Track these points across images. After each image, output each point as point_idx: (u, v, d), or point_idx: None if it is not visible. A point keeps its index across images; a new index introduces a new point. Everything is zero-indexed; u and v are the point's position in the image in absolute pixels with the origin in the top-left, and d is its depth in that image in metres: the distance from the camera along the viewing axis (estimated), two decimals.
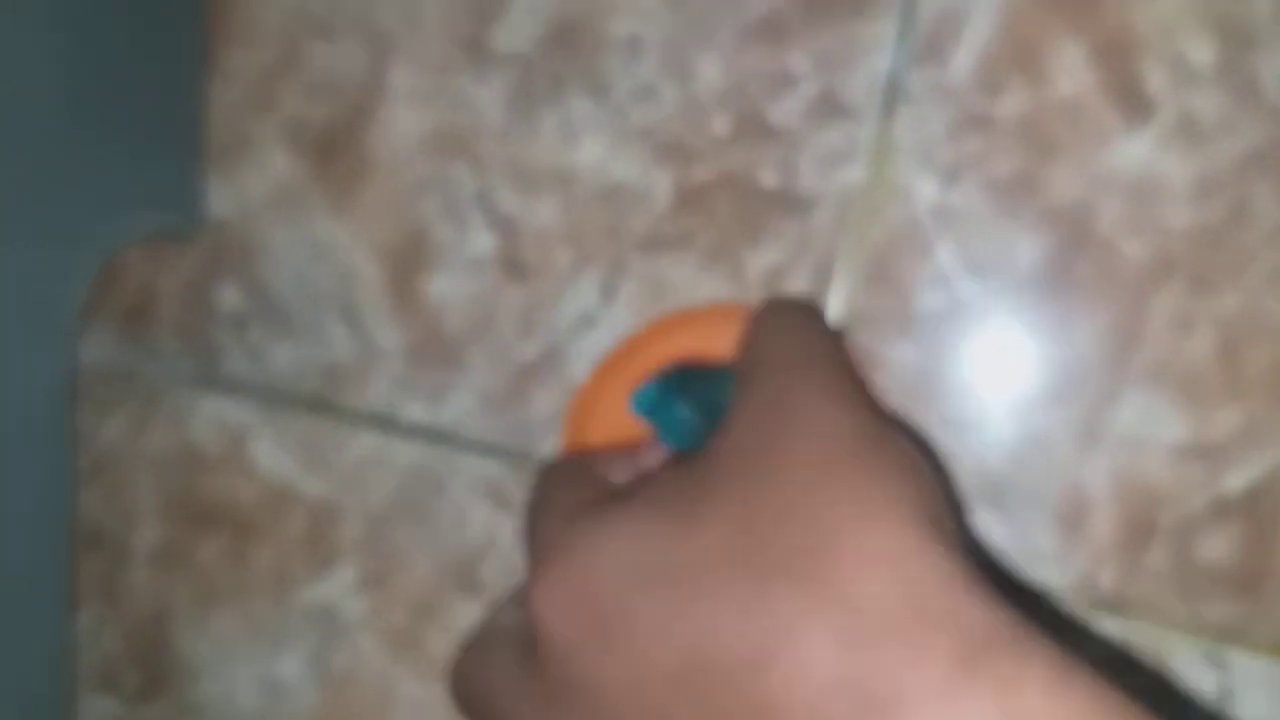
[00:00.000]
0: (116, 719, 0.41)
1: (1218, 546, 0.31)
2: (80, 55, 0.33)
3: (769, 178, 0.33)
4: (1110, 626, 0.32)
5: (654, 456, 0.28)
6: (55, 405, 0.36)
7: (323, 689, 0.38)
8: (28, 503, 0.36)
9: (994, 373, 0.33)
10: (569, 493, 0.25)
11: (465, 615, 0.37)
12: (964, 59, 0.32)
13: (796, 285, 0.34)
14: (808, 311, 0.27)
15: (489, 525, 0.36)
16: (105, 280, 0.39)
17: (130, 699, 0.40)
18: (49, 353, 0.36)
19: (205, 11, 0.37)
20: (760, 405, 0.23)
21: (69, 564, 0.39)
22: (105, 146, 0.35)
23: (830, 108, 0.33)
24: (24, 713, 0.37)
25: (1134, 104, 0.31)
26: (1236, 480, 0.31)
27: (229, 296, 0.38)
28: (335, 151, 0.37)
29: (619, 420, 0.30)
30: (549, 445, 0.36)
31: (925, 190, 0.33)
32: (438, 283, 0.36)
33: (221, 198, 0.38)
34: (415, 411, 0.37)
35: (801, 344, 0.25)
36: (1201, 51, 0.31)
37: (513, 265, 0.36)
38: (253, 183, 0.38)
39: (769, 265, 0.34)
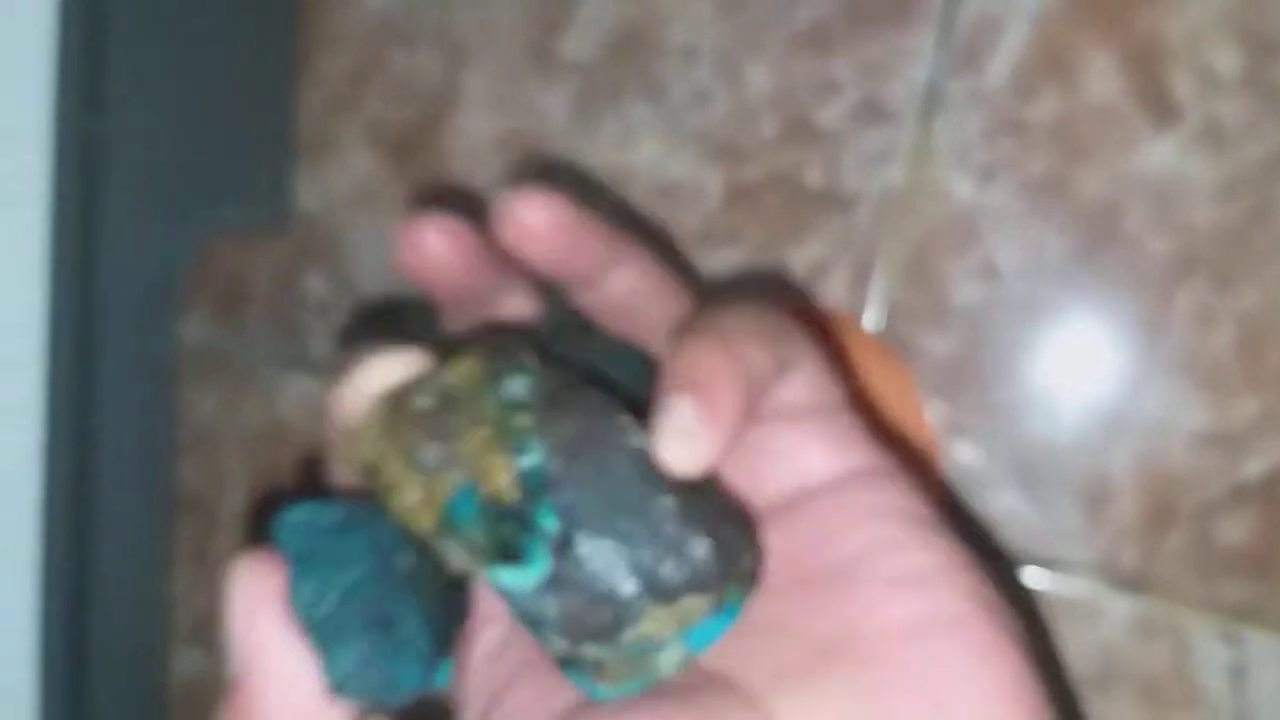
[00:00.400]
0: (205, 669, 0.44)
1: (1236, 530, 0.33)
2: (187, 63, 0.37)
3: (814, 178, 0.36)
4: (1130, 604, 0.34)
5: None
6: (160, 381, 0.40)
7: None
8: (135, 471, 0.40)
9: (1025, 362, 0.35)
10: None
11: None
12: (999, 67, 0.34)
13: (839, 279, 0.36)
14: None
15: None
16: (201, 268, 0.42)
17: (218, 652, 0.44)
18: (155, 333, 0.39)
19: (297, 22, 0.40)
20: None
21: (168, 527, 0.43)
22: (206, 146, 0.38)
23: (872, 112, 0.35)
24: (127, 658, 0.40)
25: (1161, 109, 0.33)
26: (1255, 467, 0.33)
27: (315, 284, 0.41)
28: (413, 151, 0.40)
29: None
30: None
31: (962, 190, 0.35)
32: None
33: (309, 192, 0.41)
34: None
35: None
36: (1227, 60, 0.32)
37: None
38: (337, 179, 0.41)
39: (813, 259, 0.36)
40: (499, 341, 0.21)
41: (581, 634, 0.19)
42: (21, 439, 0.36)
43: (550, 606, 0.19)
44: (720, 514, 0.20)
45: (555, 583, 0.19)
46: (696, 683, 0.21)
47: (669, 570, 0.19)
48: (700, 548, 0.19)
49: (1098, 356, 0.34)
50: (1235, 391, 0.33)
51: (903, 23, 0.35)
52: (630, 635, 0.19)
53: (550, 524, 0.19)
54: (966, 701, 0.20)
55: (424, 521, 0.20)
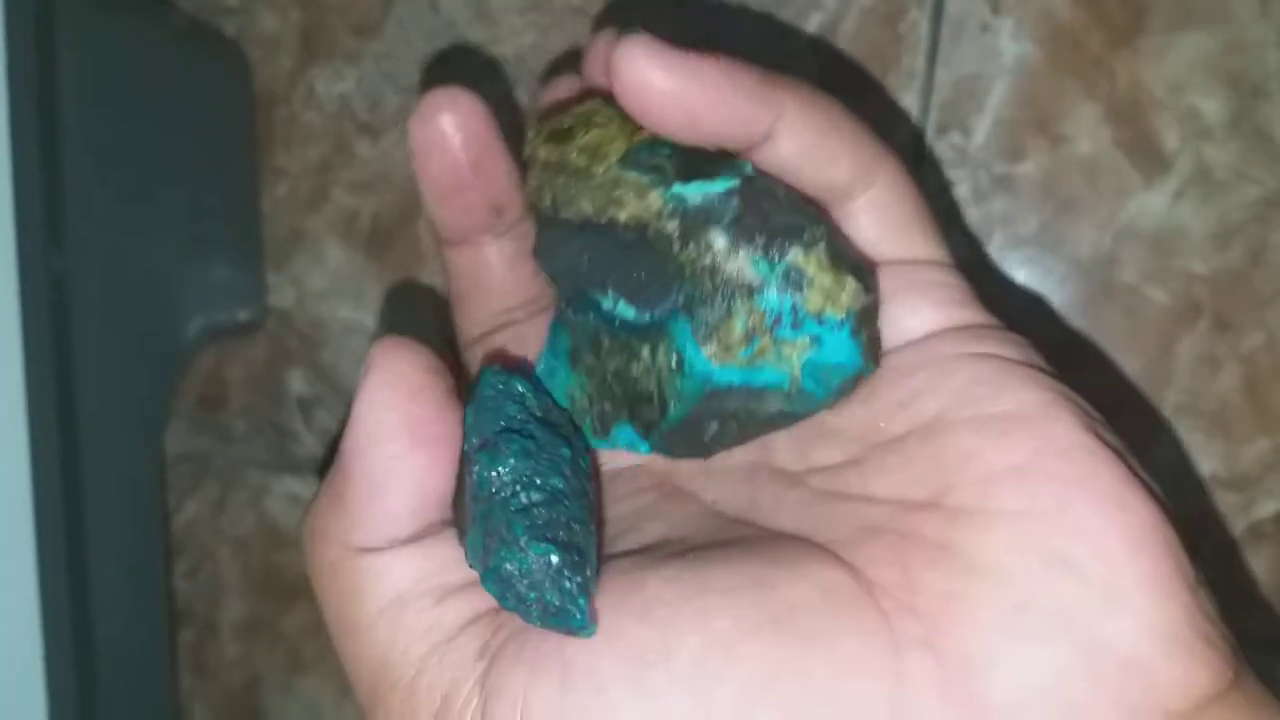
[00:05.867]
0: None
1: (1254, 569, 0.33)
2: (142, 179, 0.35)
3: None
4: None
5: None
6: (148, 497, 0.39)
7: None
8: (130, 588, 0.38)
9: None
10: None
11: None
12: (985, 126, 0.33)
13: None
14: None
15: None
16: (178, 376, 0.41)
17: None
18: (141, 452, 0.38)
19: (252, 117, 0.39)
20: None
21: (168, 640, 0.42)
22: (172, 259, 0.37)
23: None
24: None
25: (1151, 158, 0.33)
26: (1268, 507, 0.33)
27: (295, 382, 0.40)
28: (388, 241, 0.38)
29: None
30: None
31: (954, 251, 0.34)
32: None
33: (281, 290, 0.40)
34: None
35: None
36: (1213, 105, 0.32)
37: None
38: (310, 274, 0.39)
39: None
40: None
41: (778, 240, 0.19)
42: (13, 575, 0.34)
43: (730, 209, 0.19)
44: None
45: (740, 192, 0.19)
46: (772, 538, 0.18)
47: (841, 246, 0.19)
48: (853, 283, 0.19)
49: (1104, 409, 0.34)
50: (1245, 434, 0.33)
51: (885, 86, 0.34)
52: (818, 251, 0.19)
53: (743, 166, 0.19)
54: (1093, 553, 0.16)
55: (611, 155, 0.20)
